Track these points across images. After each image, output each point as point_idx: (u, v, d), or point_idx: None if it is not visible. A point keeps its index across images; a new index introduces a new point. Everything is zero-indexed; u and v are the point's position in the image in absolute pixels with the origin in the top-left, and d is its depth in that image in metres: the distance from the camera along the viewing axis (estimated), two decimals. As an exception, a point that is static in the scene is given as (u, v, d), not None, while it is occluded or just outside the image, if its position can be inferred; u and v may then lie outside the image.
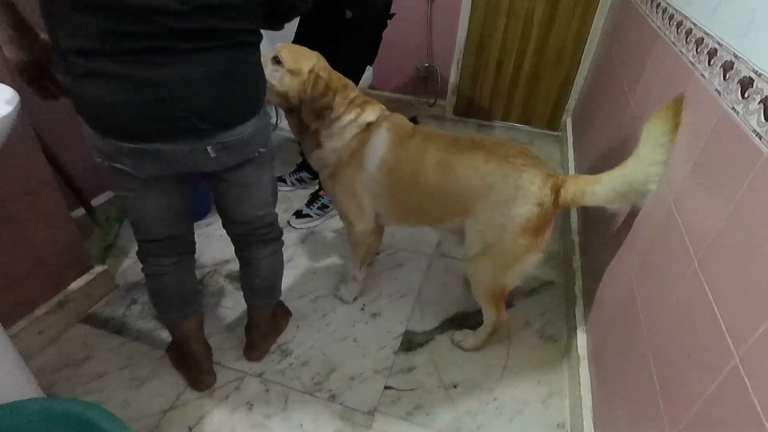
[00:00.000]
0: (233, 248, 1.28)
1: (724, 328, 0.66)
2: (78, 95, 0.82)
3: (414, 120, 2.95)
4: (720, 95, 0.83)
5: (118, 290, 1.61)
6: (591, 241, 1.63)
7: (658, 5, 1.44)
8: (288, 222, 2.00)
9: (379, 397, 1.32)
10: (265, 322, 1.39)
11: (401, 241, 1.93)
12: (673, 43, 1.19)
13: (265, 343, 1.42)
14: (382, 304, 1.63)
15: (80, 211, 1.77)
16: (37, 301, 1.36)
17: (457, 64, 2.96)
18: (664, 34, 1.29)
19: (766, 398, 0.55)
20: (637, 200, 1.08)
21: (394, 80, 3.03)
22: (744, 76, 0.75)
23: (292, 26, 2.01)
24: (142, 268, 1.20)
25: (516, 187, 1.14)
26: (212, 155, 0.94)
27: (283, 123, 2.69)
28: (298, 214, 2.01)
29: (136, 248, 1.18)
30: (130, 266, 1.72)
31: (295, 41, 1.95)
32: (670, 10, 1.29)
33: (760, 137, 0.66)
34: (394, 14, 1.82)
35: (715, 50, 0.90)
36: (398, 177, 1.29)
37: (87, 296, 1.50)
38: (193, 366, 1.30)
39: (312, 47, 1.74)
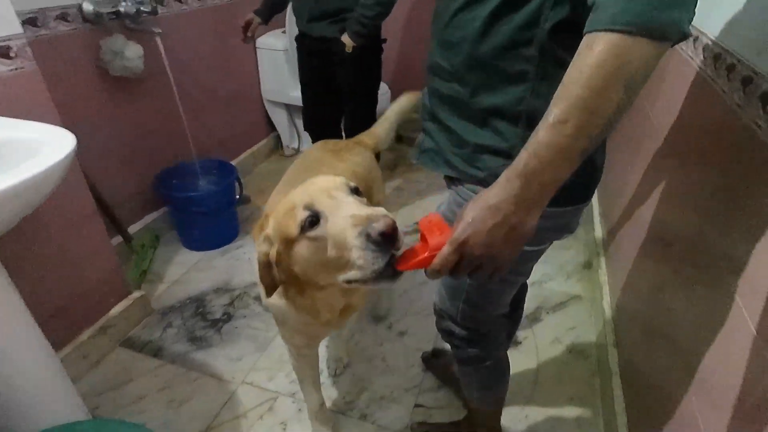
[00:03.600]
0: None
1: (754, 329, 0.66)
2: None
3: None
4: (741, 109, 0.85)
5: (154, 314, 1.67)
6: (616, 254, 1.62)
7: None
8: None
9: (410, 416, 1.33)
10: None
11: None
12: (690, 58, 1.21)
13: None
14: (409, 323, 1.65)
15: (117, 239, 1.86)
16: (82, 326, 1.43)
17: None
18: (680, 48, 1.31)
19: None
20: None
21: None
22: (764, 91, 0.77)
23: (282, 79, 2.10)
24: (492, 358, 1.01)
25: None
26: None
27: (305, 147, 2.78)
28: None
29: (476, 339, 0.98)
30: (165, 290, 1.79)
31: (303, 83, 2.06)
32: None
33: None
34: (385, 39, 1.89)
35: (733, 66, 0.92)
36: None
37: (126, 320, 1.57)
38: None
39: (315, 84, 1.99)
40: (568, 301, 1.75)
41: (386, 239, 0.61)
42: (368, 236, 0.61)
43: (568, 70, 0.51)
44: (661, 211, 1.23)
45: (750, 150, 0.79)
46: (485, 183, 0.72)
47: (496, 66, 0.70)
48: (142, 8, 1.63)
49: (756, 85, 0.81)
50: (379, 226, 0.61)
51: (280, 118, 2.76)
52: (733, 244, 0.80)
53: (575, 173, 0.58)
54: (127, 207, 1.92)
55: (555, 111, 0.51)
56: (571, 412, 1.34)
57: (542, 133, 0.52)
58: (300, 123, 2.52)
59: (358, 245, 0.62)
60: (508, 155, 0.72)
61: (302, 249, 0.71)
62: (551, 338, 1.59)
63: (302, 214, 0.69)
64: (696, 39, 1.19)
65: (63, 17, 1.50)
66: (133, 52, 1.61)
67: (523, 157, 0.54)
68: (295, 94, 2.42)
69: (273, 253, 0.75)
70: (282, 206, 0.75)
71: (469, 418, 1.24)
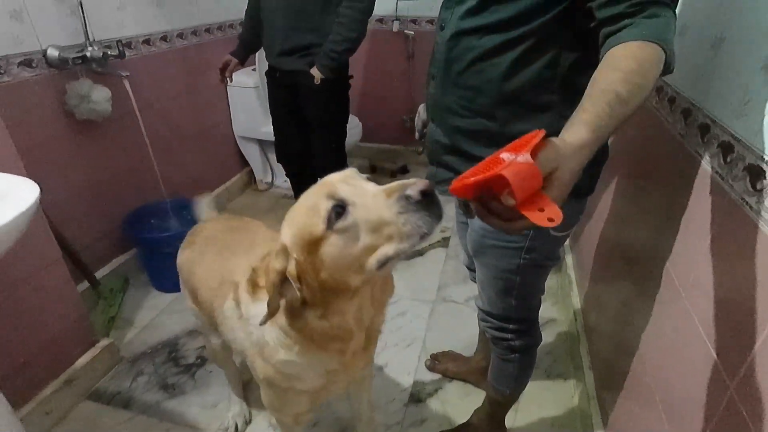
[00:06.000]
0: None
1: (712, 350, 0.70)
2: None
3: (404, 168, 3.07)
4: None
5: (123, 363, 1.60)
6: (585, 277, 1.67)
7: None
8: None
9: (393, 454, 1.30)
10: None
11: (402, 289, 1.96)
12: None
13: None
14: (388, 356, 1.64)
15: (84, 285, 1.79)
16: (45, 381, 1.35)
17: (441, 113, 3.11)
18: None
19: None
20: None
21: (383, 132, 3.16)
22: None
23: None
24: (538, 341, 1.11)
25: None
26: None
27: (279, 180, 2.79)
28: None
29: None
30: (135, 336, 1.73)
31: (273, 114, 2.07)
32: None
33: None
34: (352, 76, 1.95)
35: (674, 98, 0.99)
36: None
37: (93, 371, 1.49)
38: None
39: (285, 116, 2.01)
40: (544, 324, 1.77)
41: (428, 197, 0.61)
42: (408, 198, 0.60)
43: (618, 60, 0.61)
44: (611, 217, 1.29)
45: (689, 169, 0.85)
46: None
47: (524, 101, 0.81)
48: (109, 52, 1.63)
49: (695, 117, 0.87)
50: (417, 186, 0.60)
51: (252, 153, 2.77)
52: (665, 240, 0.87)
53: (595, 167, 0.82)
54: (95, 250, 1.86)
55: (621, 91, 0.58)
56: (553, 437, 1.34)
57: (611, 109, 0.58)
58: (273, 157, 2.53)
59: (401, 211, 0.60)
60: None
61: (331, 246, 0.65)
62: (530, 363, 1.60)
63: (326, 205, 0.64)
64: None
65: (27, 63, 1.49)
66: (100, 96, 1.60)
67: (594, 129, 0.57)
68: (266, 130, 2.44)
69: (291, 267, 0.68)
70: (293, 213, 0.70)
71: (480, 414, 1.28)
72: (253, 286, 0.81)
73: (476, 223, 0.97)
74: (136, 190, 2.00)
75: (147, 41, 1.96)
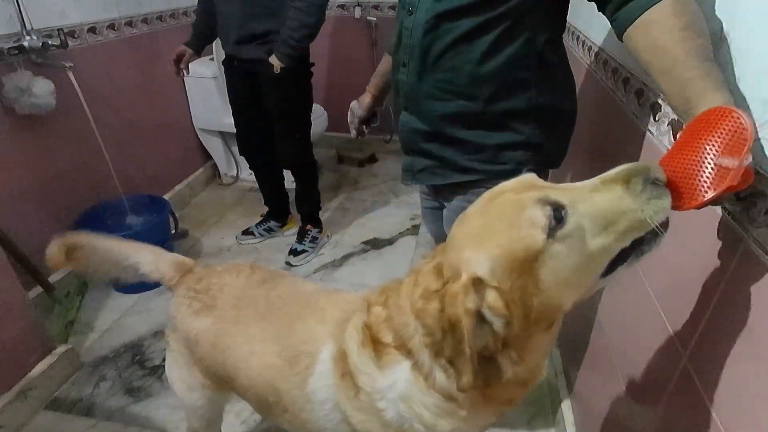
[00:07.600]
0: None
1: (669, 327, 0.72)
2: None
3: (373, 158, 3.04)
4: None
5: (84, 369, 1.53)
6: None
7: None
8: (288, 263, 2.05)
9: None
10: None
11: (372, 278, 1.96)
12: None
13: None
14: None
15: (37, 290, 1.70)
16: (-4, 393, 1.28)
17: (408, 100, 3.09)
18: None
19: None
20: None
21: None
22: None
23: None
24: None
25: None
26: None
27: (244, 174, 2.71)
28: (294, 252, 2.07)
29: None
30: (97, 340, 1.65)
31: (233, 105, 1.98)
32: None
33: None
34: (313, 63, 1.90)
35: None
36: None
37: (51, 380, 1.42)
38: None
39: (246, 107, 1.91)
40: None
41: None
42: (657, 182, 0.53)
43: (670, 21, 0.59)
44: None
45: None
46: (512, 173, 0.79)
47: (503, 79, 0.82)
48: (49, 42, 1.53)
49: (646, 96, 0.89)
50: (656, 165, 0.54)
51: (215, 146, 2.68)
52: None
53: (564, 138, 0.93)
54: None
55: (702, 42, 0.57)
56: (524, 416, 1.37)
57: (712, 62, 0.56)
58: (236, 150, 2.46)
59: (651, 197, 0.52)
60: (526, 145, 0.87)
61: (554, 260, 0.53)
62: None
63: (544, 212, 0.53)
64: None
65: (-44, 55, 1.38)
66: (42, 89, 1.50)
67: (720, 84, 0.55)
68: (228, 121, 2.36)
69: (493, 299, 0.53)
70: (481, 233, 0.57)
71: None
72: (375, 347, 0.66)
73: (454, 204, 0.96)
74: (90, 188, 1.90)
75: (92, 30, 1.85)
